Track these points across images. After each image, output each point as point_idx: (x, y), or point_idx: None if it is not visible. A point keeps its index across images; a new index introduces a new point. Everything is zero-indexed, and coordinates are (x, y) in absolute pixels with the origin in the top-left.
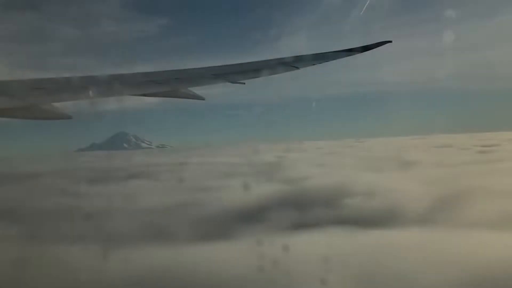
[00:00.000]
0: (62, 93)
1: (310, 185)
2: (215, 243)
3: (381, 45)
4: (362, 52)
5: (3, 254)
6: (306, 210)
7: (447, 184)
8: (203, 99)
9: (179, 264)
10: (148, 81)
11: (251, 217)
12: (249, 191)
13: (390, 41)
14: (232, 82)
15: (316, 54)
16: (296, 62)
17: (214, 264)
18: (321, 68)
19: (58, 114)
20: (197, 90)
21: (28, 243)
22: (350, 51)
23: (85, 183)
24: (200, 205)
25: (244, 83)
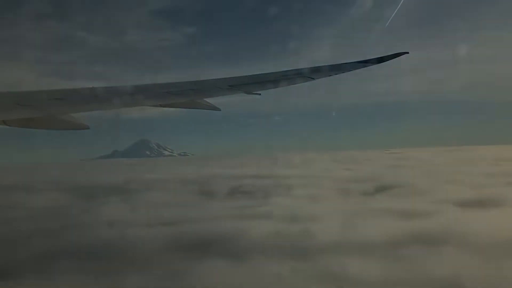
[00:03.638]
0: (82, 104)
1: None
2: None
3: (397, 56)
4: (378, 63)
5: None
6: None
7: None
8: (219, 109)
9: None
10: (166, 92)
11: None
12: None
13: (407, 52)
14: (248, 93)
15: (332, 65)
16: (312, 73)
17: None
18: (337, 78)
19: (76, 125)
20: (214, 99)
21: None
22: (366, 63)
23: (212, 198)
24: None
25: (260, 94)
